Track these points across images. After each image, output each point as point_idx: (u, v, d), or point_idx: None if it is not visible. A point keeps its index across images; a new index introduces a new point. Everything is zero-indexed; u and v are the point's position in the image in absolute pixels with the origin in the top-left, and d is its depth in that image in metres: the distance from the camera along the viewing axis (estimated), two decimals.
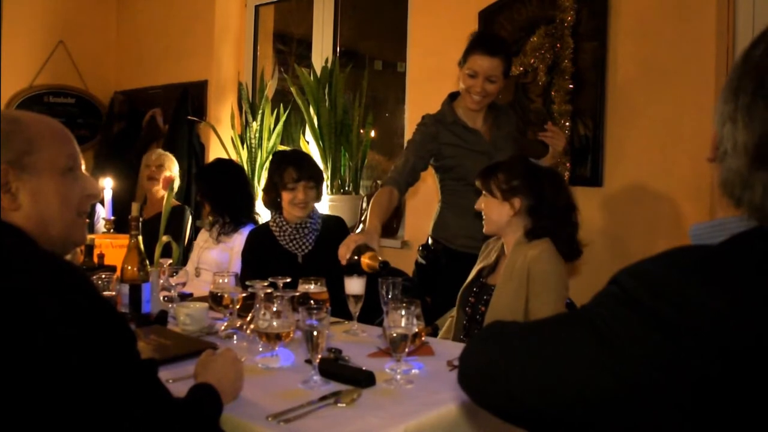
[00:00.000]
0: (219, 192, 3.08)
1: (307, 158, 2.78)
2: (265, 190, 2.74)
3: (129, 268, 2.10)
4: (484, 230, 2.21)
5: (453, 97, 2.70)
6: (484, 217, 2.18)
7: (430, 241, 2.72)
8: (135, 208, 2.17)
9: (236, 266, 2.83)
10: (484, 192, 2.17)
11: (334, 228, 2.74)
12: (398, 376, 1.56)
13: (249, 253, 2.72)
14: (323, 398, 1.41)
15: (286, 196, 2.61)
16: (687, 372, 0.65)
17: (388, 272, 1.98)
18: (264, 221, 2.88)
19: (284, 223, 2.68)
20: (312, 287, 2.05)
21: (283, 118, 4.25)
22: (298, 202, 2.60)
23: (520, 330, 0.85)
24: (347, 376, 1.54)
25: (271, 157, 2.74)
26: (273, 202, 2.69)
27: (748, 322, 0.64)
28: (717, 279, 0.68)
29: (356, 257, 2.06)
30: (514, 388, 0.78)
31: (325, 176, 3.82)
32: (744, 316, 0.64)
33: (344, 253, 2.07)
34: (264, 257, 2.65)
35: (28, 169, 1.15)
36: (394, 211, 3.86)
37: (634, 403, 0.67)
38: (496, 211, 2.14)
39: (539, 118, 3.16)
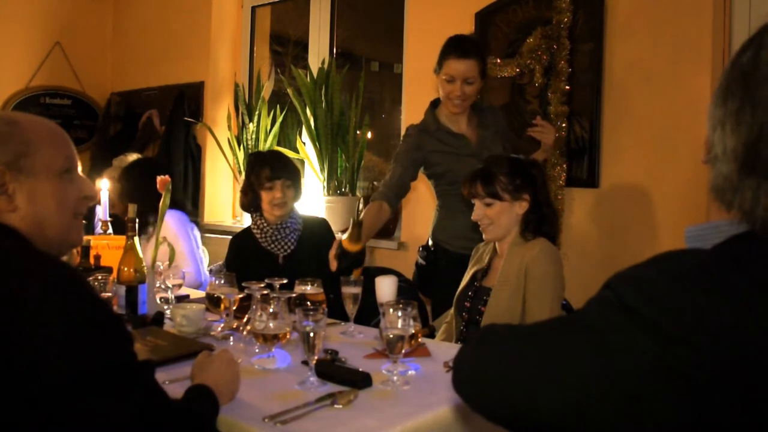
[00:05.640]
0: (148, 191, 2.80)
1: (283, 157, 2.80)
2: (242, 191, 2.74)
3: (125, 269, 2.10)
4: (488, 237, 2.13)
5: (435, 104, 2.71)
6: (488, 224, 2.09)
7: (430, 242, 2.73)
8: (132, 209, 2.16)
9: (189, 256, 2.92)
10: (487, 199, 2.08)
11: (317, 229, 2.75)
12: (395, 378, 1.56)
13: (232, 256, 2.75)
14: (320, 399, 1.41)
15: (265, 196, 2.63)
16: (682, 380, 0.65)
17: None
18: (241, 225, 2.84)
19: (265, 224, 2.70)
20: (308, 288, 2.05)
21: (279, 120, 4.25)
22: (277, 200, 2.61)
23: (515, 334, 0.85)
24: (344, 378, 1.54)
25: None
26: (252, 203, 2.69)
27: (742, 329, 0.64)
28: (710, 286, 0.67)
29: (341, 252, 2.12)
30: (508, 392, 0.78)
31: (321, 178, 3.84)
32: (738, 324, 0.64)
33: (332, 256, 2.14)
34: (245, 259, 2.68)
35: (25, 171, 1.16)
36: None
37: (628, 409, 0.67)
38: (506, 215, 2.07)
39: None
